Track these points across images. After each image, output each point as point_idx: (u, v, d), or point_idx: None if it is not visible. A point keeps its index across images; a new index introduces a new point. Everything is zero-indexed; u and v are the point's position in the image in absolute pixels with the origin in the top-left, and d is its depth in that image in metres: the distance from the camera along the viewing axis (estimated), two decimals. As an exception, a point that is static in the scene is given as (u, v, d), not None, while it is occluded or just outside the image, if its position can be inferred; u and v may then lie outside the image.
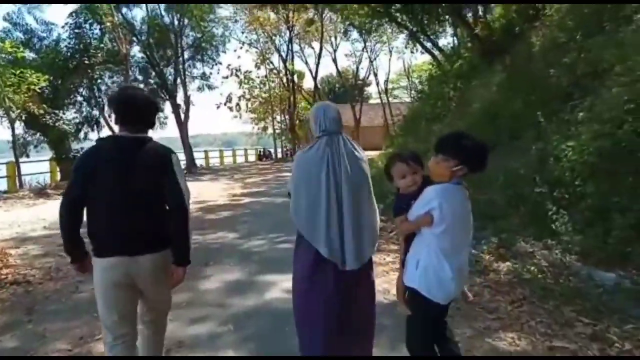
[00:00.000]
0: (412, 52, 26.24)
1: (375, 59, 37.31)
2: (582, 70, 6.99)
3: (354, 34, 32.60)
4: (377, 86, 38.07)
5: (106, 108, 21.29)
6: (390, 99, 51.43)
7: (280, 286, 4.25)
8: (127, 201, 2.23)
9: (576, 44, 7.62)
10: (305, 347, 2.48)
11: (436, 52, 20.95)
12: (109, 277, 2.24)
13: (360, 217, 2.40)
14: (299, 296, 2.52)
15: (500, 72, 11.13)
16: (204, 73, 27.17)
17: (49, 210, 9.91)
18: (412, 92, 39.29)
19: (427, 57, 31.17)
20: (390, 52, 35.75)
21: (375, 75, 37.78)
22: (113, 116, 2.52)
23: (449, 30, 22.45)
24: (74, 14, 18.95)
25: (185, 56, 25.43)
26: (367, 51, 35.30)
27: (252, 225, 7.61)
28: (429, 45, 21.31)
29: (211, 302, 4.10)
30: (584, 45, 7.37)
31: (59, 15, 22.41)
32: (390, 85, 41.97)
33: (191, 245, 2.36)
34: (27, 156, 20.04)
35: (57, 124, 16.50)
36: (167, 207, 2.31)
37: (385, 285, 4.33)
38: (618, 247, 4.26)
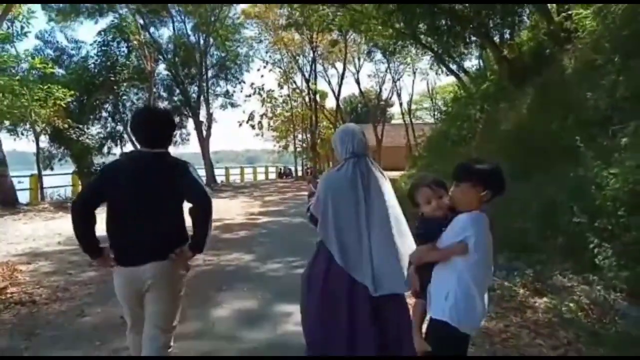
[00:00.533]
0: (437, 73, 25.94)
1: (398, 79, 37.16)
2: (622, 93, 6.59)
3: (378, 55, 32.54)
4: (400, 107, 37.82)
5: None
6: (413, 119, 51.12)
7: (295, 319, 3.91)
8: (144, 214, 2.36)
9: (614, 67, 7.23)
10: None
11: (461, 74, 20.64)
12: (121, 282, 2.43)
13: (393, 241, 2.40)
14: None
15: (530, 94, 10.74)
16: (227, 91, 27.46)
17: (66, 225, 9.82)
18: (436, 113, 38.88)
19: (451, 79, 30.93)
20: (414, 73, 35.52)
21: (399, 95, 37.58)
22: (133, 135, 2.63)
23: (474, 52, 22.22)
24: (102, 33, 19.43)
25: (210, 74, 25.72)
26: (390, 72, 35.19)
27: (269, 247, 7.32)
28: (454, 67, 21.07)
29: (221, 334, 3.79)
30: (622, 67, 6.99)
31: (88, 34, 23.01)
32: (413, 107, 41.68)
33: (210, 235, 2.42)
34: (52, 169, 20.33)
35: (80, 139, 16.68)
36: (192, 204, 2.38)
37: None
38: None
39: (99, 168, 17.77)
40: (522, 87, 11.74)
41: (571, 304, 4.18)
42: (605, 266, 4.43)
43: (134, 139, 2.78)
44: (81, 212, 2.39)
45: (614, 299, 4.11)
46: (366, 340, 2.43)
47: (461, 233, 2.03)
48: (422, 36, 19.74)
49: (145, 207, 2.36)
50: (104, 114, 22.02)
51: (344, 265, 2.42)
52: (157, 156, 2.46)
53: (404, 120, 37.60)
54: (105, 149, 22.33)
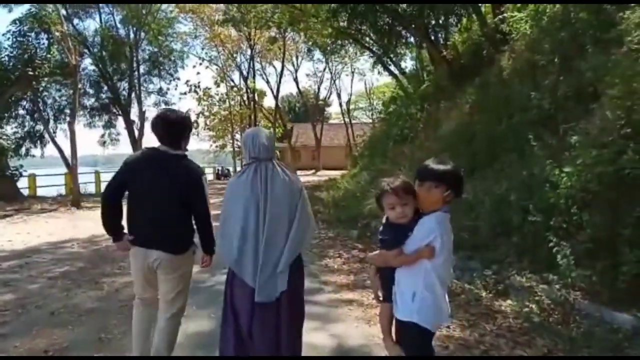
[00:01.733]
0: (379, 73, 26.26)
1: (337, 79, 37.35)
2: (564, 93, 6.77)
3: (317, 54, 32.46)
4: (340, 107, 38.02)
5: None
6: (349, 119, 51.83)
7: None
8: (158, 206, 2.73)
9: (554, 67, 7.44)
10: None
11: (399, 75, 20.98)
12: (135, 259, 2.84)
13: (277, 246, 2.47)
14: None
15: (471, 94, 10.97)
16: (160, 88, 25.99)
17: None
18: (373, 113, 39.53)
19: (388, 80, 31.53)
20: (353, 73, 35.86)
21: (339, 95, 37.76)
22: (154, 135, 2.89)
23: (410, 53, 22.75)
24: (17, 22, 17.55)
25: (142, 70, 24.27)
26: (330, 71, 35.26)
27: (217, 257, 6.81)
28: (392, 67, 21.40)
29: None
30: (562, 68, 7.20)
31: (1, 24, 20.78)
32: (351, 107, 42.09)
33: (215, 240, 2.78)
34: (-41, 174, 18.18)
35: (-7, 139, 15.01)
36: (194, 216, 2.83)
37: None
38: (629, 285, 3.85)
39: (16, 172, 16.15)
40: (462, 86, 12.01)
41: (533, 305, 4.12)
42: (564, 265, 4.42)
43: (155, 137, 2.92)
44: (108, 199, 2.83)
45: (574, 299, 4.10)
46: (257, 340, 2.49)
47: (428, 235, 2.05)
48: (361, 36, 19.87)
49: (160, 199, 2.72)
50: (21, 111, 20.01)
51: (236, 270, 2.50)
52: (176, 157, 2.81)
53: (344, 120, 37.84)
54: (23, 150, 20.31)
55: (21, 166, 17.07)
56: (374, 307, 4.27)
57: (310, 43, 25.85)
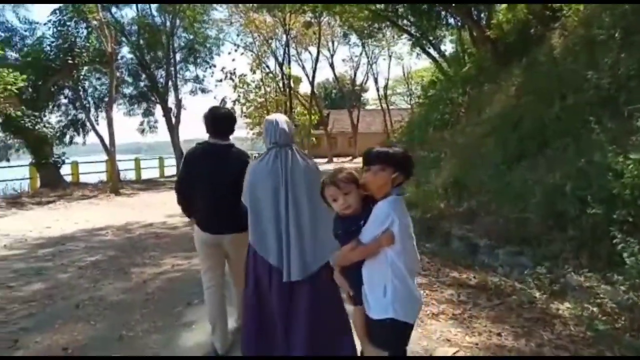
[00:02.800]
0: (417, 55, 25.40)
1: (373, 63, 36.43)
2: (626, 71, 6.10)
3: (353, 38, 31.77)
4: (377, 92, 37.19)
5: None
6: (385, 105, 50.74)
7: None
8: (216, 191, 3.01)
9: (615, 43, 6.73)
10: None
11: (439, 58, 20.18)
12: (200, 241, 3.14)
13: (303, 229, 2.49)
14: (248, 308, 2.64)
15: (518, 75, 10.24)
16: (197, 76, 26.09)
17: (17, 223, 8.86)
18: (412, 98, 38.52)
19: (426, 63, 30.49)
20: (390, 57, 34.89)
21: (376, 80, 36.88)
22: (205, 128, 3.22)
23: (450, 36, 21.92)
24: (57, 11, 17.89)
25: (178, 58, 24.38)
26: (366, 56, 34.44)
27: None
28: (431, 50, 20.64)
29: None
30: (624, 43, 6.50)
31: (43, 14, 21.25)
32: (388, 92, 41.14)
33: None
34: (8, 160, 18.87)
35: (37, 127, 15.35)
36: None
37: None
38: None
39: (58, 160, 16.56)
40: (507, 68, 11.27)
41: (594, 309, 3.65)
42: (631, 263, 3.90)
43: (206, 131, 3.22)
44: (179, 190, 3.21)
45: (646, 303, 3.59)
46: (283, 324, 2.50)
47: (384, 221, 1.96)
48: (398, 18, 19.19)
49: (219, 186, 2.99)
50: (64, 100, 20.54)
51: (262, 252, 2.53)
52: (226, 147, 3.14)
53: (381, 106, 37.00)
54: (66, 138, 20.89)
55: (64, 153, 17.48)
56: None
57: (346, 27, 25.20)
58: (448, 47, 23.91)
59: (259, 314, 2.57)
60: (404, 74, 37.71)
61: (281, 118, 2.73)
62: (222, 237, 3.03)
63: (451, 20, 17.73)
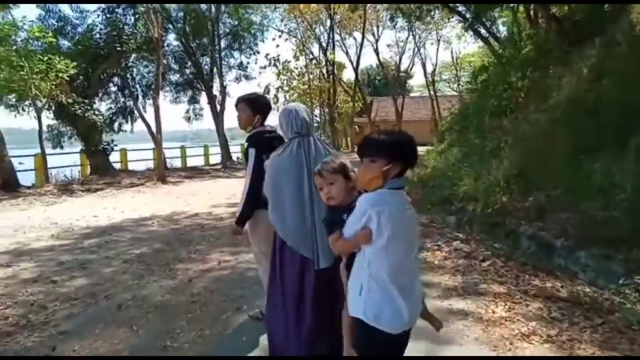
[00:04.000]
0: (467, 39, 24.17)
1: (422, 47, 35.03)
2: None
3: (400, 22, 30.63)
4: (425, 77, 35.76)
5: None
6: (433, 92, 49.10)
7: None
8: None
9: None
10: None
11: (491, 40, 19.07)
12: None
13: None
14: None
15: (591, 56, 9.24)
16: (241, 63, 25.95)
17: (66, 212, 8.86)
18: (460, 84, 36.99)
19: (475, 48, 29.08)
20: (439, 41, 33.47)
21: (424, 65, 35.35)
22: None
23: (500, 18, 20.81)
24: (106, -2, 18.10)
25: (222, 45, 24.27)
26: (414, 39, 33.16)
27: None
28: (483, 33, 19.54)
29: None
30: None
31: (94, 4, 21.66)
32: (435, 78, 39.67)
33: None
34: (61, 147, 19.39)
35: (87, 114, 15.58)
36: None
37: None
38: None
39: (107, 147, 16.80)
40: (577, 48, 10.24)
41: None
42: None
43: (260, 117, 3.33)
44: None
45: None
46: (317, 312, 2.48)
47: (361, 217, 1.82)
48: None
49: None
50: (113, 88, 20.89)
51: (290, 242, 2.51)
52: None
53: (429, 92, 35.67)
54: (116, 126, 21.26)
55: (112, 141, 17.75)
56: (498, 324, 3.33)
57: (393, 9, 24.25)
58: (501, 30, 22.67)
59: (282, 296, 2.59)
60: (452, 59, 36.16)
61: (301, 107, 2.74)
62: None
63: (507, -1, 16.62)
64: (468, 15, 19.67)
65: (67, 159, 16.93)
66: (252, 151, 3.10)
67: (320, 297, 2.46)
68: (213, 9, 22.86)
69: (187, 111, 25.62)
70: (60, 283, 4.51)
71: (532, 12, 16.34)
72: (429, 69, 36.16)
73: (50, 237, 6.59)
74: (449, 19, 28.73)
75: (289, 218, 2.49)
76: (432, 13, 25.43)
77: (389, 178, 1.82)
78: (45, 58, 13.46)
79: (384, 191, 1.82)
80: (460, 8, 19.63)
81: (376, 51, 37.74)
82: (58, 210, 9.05)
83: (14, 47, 13.07)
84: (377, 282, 1.80)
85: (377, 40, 37.01)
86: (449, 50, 41.65)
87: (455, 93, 44.29)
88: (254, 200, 3.05)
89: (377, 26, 36.36)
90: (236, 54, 25.64)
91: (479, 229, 6.86)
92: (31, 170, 13.89)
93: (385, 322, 1.78)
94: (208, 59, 23.67)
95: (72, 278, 4.67)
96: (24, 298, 4.11)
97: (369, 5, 30.33)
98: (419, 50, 34.63)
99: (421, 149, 22.64)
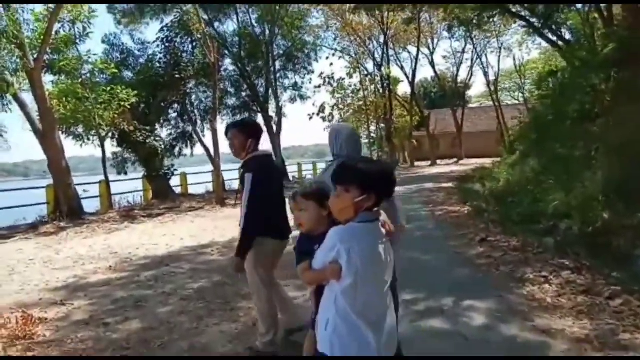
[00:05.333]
0: (528, 45, 22.73)
1: (482, 55, 33.45)
2: None
3: (458, 32, 29.59)
4: (488, 86, 34.02)
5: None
6: (491, 102, 47.03)
7: None
8: (283, 199, 3.27)
9: None
10: None
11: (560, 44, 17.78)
12: (272, 251, 3.32)
13: None
14: None
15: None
16: (295, 83, 25.91)
17: (126, 240, 8.65)
18: (525, 92, 35.03)
19: (534, 55, 27.36)
20: (500, 48, 31.92)
21: (485, 74, 33.66)
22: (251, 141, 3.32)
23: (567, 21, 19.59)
24: (164, 29, 18.64)
25: (277, 67, 24.33)
26: (474, 48, 31.83)
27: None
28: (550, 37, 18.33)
29: None
30: None
31: (154, 35, 22.55)
32: (492, 88, 37.88)
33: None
34: (125, 174, 19.93)
35: (147, 141, 15.85)
36: None
37: None
38: None
39: (168, 171, 16.96)
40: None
41: None
42: None
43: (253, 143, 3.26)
44: (262, 199, 3.15)
45: None
46: None
47: (330, 251, 1.74)
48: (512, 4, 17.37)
49: (281, 195, 3.25)
50: (173, 114, 21.37)
51: None
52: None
53: (493, 101, 34.01)
54: (176, 151, 21.63)
55: (172, 165, 17.94)
56: None
57: (451, 17, 23.32)
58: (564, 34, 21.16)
59: None
60: (515, 66, 34.28)
61: (345, 129, 2.73)
62: (285, 242, 3.21)
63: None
64: (532, 20, 18.58)
65: (131, 185, 17.24)
66: (248, 176, 3.03)
67: None
68: (267, 32, 23.00)
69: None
70: (112, 326, 4.03)
71: (605, 12, 15.11)
72: (490, 77, 34.50)
73: (108, 269, 6.27)
74: (509, 25, 27.37)
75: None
76: (492, 19, 24.29)
77: (362, 210, 1.74)
78: (108, 88, 13.80)
79: (355, 225, 1.74)
80: (524, 13, 18.55)
81: (432, 63, 36.76)
82: (119, 238, 8.87)
83: (79, 80, 13.48)
84: (344, 319, 1.72)
85: (432, 53, 36.04)
86: (510, 58, 39.54)
87: (516, 102, 42.16)
88: (254, 228, 3.01)
89: (432, 38, 35.41)
90: (290, 74, 25.70)
91: (587, 253, 5.81)
92: (96, 197, 14.14)
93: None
94: (263, 81, 23.76)
95: (126, 320, 4.19)
96: (73, 346, 3.65)
97: (422, 17, 29.55)
98: (479, 58, 33.09)
99: (486, 161, 21.24)
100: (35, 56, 11.18)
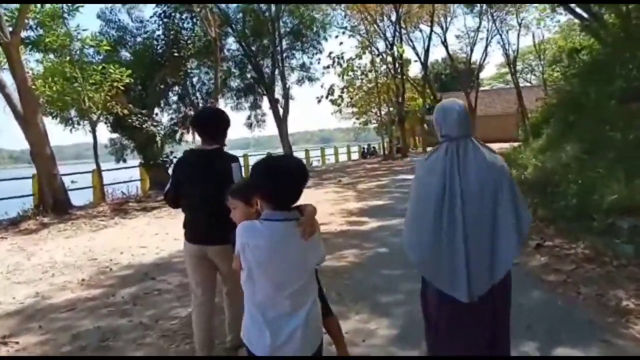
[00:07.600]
0: (544, 24, 21.09)
1: (500, 33, 31.55)
2: None
3: (474, 7, 27.89)
4: (509, 66, 32.14)
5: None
6: (503, 84, 45.29)
7: None
8: (203, 202, 2.86)
9: None
10: None
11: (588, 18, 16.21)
12: (189, 255, 3.01)
13: (474, 243, 1.98)
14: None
15: None
16: (303, 63, 24.52)
17: (112, 240, 7.50)
18: (545, 72, 33.27)
19: (550, 34, 25.57)
20: (520, 24, 30.08)
21: (506, 53, 31.69)
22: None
23: None
24: (162, 3, 17.24)
25: (284, 45, 22.88)
26: (494, 23, 30.01)
27: (409, 296, 4.14)
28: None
29: None
30: None
31: (150, 12, 21.14)
32: (503, 69, 36.05)
33: None
34: (124, 161, 18.80)
35: (144, 126, 14.62)
36: None
37: None
38: None
39: (166, 158, 15.76)
40: None
41: None
42: None
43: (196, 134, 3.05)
44: (170, 201, 3.12)
45: None
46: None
47: (237, 245, 1.81)
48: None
49: (203, 196, 2.85)
50: (174, 97, 20.08)
51: (424, 272, 2.13)
52: (214, 152, 2.96)
53: (514, 82, 32.28)
54: (177, 136, 20.40)
55: (171, 152, 16.72)
56: None
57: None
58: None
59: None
60: (534, 45, 32.37)
61: (454, 105, 2.21)
62: (206, 248, 2.90)
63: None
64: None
65: (128, 174, 16.07)
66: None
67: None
68: (273, 8, 21.53)
69: (249, 117, 24.57)
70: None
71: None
72: (499, 61, 32.66)
73: (79, 284, 5.09)
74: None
75: (424, 243, 2.04)
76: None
77: (266, 210, 1.78)
78: (100, 67, 12.55)
79: (254, 223, 1.79)
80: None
81: (444, 43, 34.96)
82: (104, 238, 7.72)
83: (68, 58, 12.24)
84: (248, 308, 1.80)
85: (445, 32, 34.26)
86: (529, 36, 37.49)
87: (528, 84, 40.29)
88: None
89: (446, 16, 33.60)
90: (298, 54, 24.33)
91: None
92: (88, 187, 12.99)
93: (256, 347, 1.76)
94: (269, 61, 22.38)
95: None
96: None
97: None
98: (500, 34, 31.18)
99: (503, 146, 19.66)
100: (12, 29, 9.94)
